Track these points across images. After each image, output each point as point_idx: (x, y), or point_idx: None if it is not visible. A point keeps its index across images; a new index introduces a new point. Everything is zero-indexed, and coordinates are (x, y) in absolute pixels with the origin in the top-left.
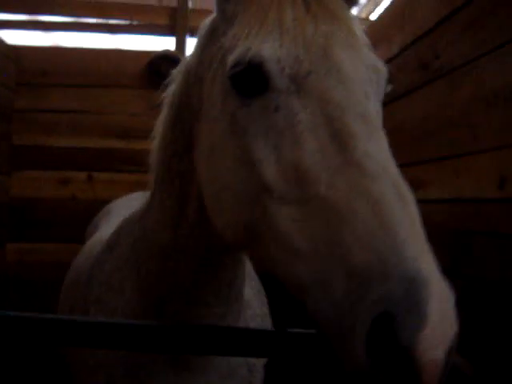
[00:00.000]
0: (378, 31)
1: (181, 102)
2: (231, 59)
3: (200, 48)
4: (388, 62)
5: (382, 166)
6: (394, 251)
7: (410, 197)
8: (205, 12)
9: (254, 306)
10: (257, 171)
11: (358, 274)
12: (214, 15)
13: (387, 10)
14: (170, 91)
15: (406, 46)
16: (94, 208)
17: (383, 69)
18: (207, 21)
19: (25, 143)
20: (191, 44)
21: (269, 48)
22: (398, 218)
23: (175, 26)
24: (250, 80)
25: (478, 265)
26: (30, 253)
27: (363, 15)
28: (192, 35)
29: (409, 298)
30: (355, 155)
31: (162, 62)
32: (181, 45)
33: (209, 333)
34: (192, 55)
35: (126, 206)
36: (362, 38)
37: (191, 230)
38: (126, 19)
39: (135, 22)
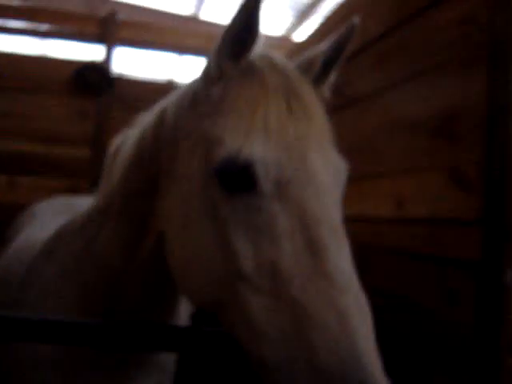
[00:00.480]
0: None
1: (150, 148)
2: (221, 155)
3: (178, 109)
4: None
5: (348, 279)
6: (355, 360)
7: (367, 308)
8: (134, 24)
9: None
10: (234, 260)
11: (320, 372)
12: (196, 81)
13: (311, 36)
14: (139, 127)
15: None
16: (14, 212)
17: (345, 169)
18: (188, 85)
19: None
20: (119, 54)
21: (258, 151)
22: (359, 330)
23: (105, 35)
24: (238, 178)
25: (375, 277)
26: None
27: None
28: (121, 45)
29: None
30: (327, 267)
31: (89, 71)
32: (109, 55)
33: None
34: (168, 109)
35: (52, 210)
36: (330, 135)
37: (144, 264)
38: (56, 25)
39: (65, 29)
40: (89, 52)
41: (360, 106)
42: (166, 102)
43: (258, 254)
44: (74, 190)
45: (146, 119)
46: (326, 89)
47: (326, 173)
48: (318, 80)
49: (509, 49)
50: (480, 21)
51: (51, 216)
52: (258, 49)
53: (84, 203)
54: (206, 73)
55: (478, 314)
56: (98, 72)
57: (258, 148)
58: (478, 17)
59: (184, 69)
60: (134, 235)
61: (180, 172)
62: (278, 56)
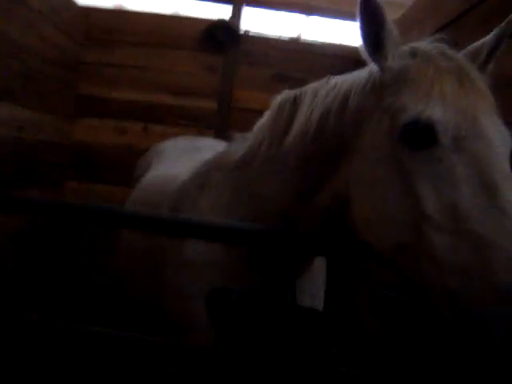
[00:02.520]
0: (413, 16)
1: (333, 129)
2: (405, 118)
3: (360, 96)
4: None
5: None
6: None
7: None
8: None
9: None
10: (419, 204)
11: (500, 289)
12: (368, 70)
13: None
14: (322, 92)
15: (435, 32)
16: None
17: (510, 137)
18: (360, 75)
19: (89, 93)
20: (247, 13)
21: (438, 113)
22: None
23: None
24: (421, 136)
25: None
26: (86, 192)
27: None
28: (248, 4)
29: None
30: (500, 201)
31: (218, 29)
32: (237, 13)
33: None
34: (350, 99)
35: (178, 148)
36: (496, 109)
37: (313, 214)
38: None
39: None
40: (218, 11)
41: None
42: (342, 86)
43: (440, 197)
44: None
45: (321, 94)
46: (488, 76)
47: (495, 132)
48: (482, 68)
49: None
50: None
51: (179, 153)
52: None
53: (207, 144)
54: (379, 61)
55: None
56: (225, 30)
57: (437, 111)
58: None
59: (310, 28)
60: (309, 190)
61: (366, 145)
62: (447, 47)
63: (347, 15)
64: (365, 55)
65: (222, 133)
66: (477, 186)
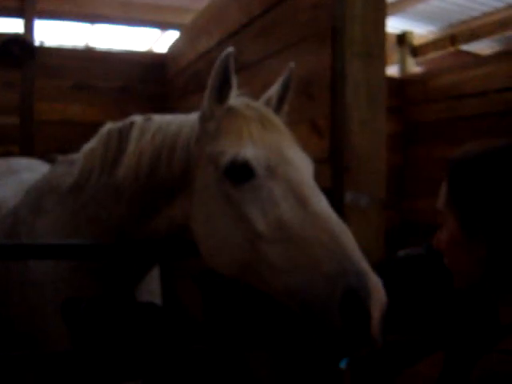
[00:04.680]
0: (201, 24)
1: (164, 163)
2: (225, 160)
3: (187, 144)
4: (208, 52)
5: (329, 213)
6: (348, 260)
7: (345, 227)
8: None
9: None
10: (251, 225)
11: (329, 276)
12: (195, 121)
13: (208, 7)
14: (148, 134)
15: (221, 41)
16: None
17: (310, 161)
18: (189, 124)
19: None
20: (39, 26)
21: (250, 152)
22: (345, 240)
23: (24, 8)
24: (240, 172)
25: None
26: None
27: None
28: (39, 17)
29: (361, 282)
30: (312, 208)
31: (13, 44)
32: (29, 26)
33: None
34: (178, 144)
35: None
36: (296, 142)
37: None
38: None
39: None
40: (10, 25)
41: (250, 71)
42: (168, 130)
43: (267, 216)
44: (6, 155)
45: (148, 136)
46: (283, 116)
47: (298, 158)
48: (276, 111)
49: (343, 31)
50: (327, 6)
51: None
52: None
53: (22, 164)
54: (202, 114)
55: None
56: (20, 44)
57: (249, 150)
58: (325, 3)
59: (99, 36)
60: (144, 217)
61: (198, 185)
62: (248, 99)
63: (136, 22)
64: (206, 104)
65: (26, 147)
66: (293, 201)
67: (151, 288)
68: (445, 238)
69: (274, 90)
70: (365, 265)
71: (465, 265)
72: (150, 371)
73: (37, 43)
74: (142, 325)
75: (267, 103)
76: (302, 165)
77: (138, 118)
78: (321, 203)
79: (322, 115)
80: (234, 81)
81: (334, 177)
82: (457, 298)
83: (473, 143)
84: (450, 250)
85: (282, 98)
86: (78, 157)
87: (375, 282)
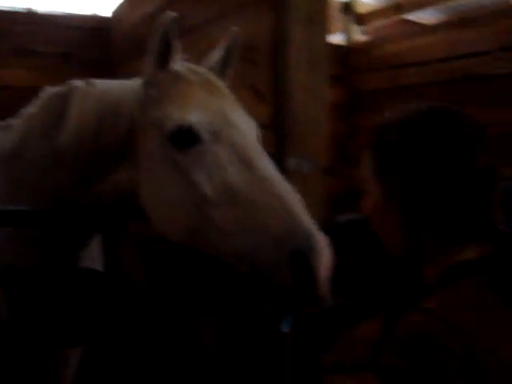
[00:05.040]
0: None
1: (108, 128)
2: (171, 125)
3: (132, 108)
4: (151, 15)
5: (275, 176)
6: (295, 221)
7: (292, 190)
8: None
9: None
10: (198, 190)
11: (277, 237)
12: (139, 86)
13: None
14: (91, 100)
15: (165, 4)
16: None
17: (255, 124)
18: (134, 89)
19: None
20: None
21: (195, 117)
22: (292, 202)
23: None
24: (186, 137)
25: None
26: None
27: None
28: None
29: (308, 243)
30: (259, 172)
31: None
32: None
33: None
34: (122, 108)
35: None
36: (240, 106)
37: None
38: None
39: None
40: None
41: (192, 36)
42: (112, 95)
43: (213, 180)
44: None
45: (91, 101)
46: (227, 81)
47: (243, 122)
48: (220, 76)
49: None
50: None
51: None
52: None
53: None
54: (145, 80)
55: None
56: None
57: (194, 115)
58: None
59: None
60: (87, 182)
61: (144, 151)
62: (192, 64)
63: None
64: (148, 69)
65: None
66: (239, 164)
67: (93, 254)
68: (369, 204)
69: (217, 55)
70: (312, 226)
71: (389, 230)
72: (93, 337)
73: None
74: (83, 291)
75: (211, 68)
76: (247, 129)
77: (79, 83)
78: (267, 166)
79: (264, 81)
80: (177, 46)
81: (277, 143)
82: (390, 262)
83: (395, 109)
84: (375, 216)
85: (225, 63)
86: (17, 122)
87: (322, 243)
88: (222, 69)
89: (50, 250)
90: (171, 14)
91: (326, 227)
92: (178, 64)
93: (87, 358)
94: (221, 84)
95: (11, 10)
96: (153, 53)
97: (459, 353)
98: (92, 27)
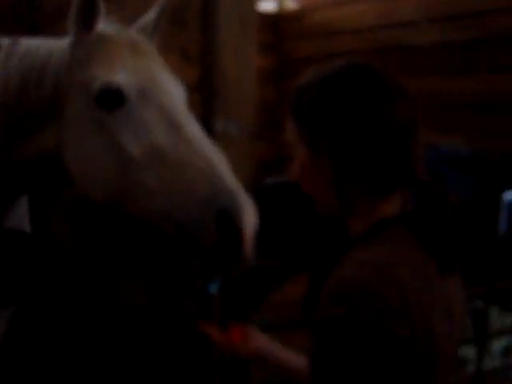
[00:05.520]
0: None
1: (33, 87)
2: (97, 86)
3: (55, 70)
4: None
5: (201, 137)
6: (221, 182)
7: (218, 151)
8: None
9: None
10: (124, 151)
11: (203, 197)
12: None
13: None
14: (15, 57)
15: None
16: None
17: (182, 86)
18: (59, 42)
19: None
20: None
21: (121, 78)
22: (217, 162)
23: None
24: (112, 98)
25: None
26: None
27: None
28: None
29: (233, 202)
30: (185, 134)
31: None
32: None
33: None
34: (48, 60)
35: None
36: (166, 67)
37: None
38: None
39: None
40: None
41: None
42: (38, 54)
43: (140, 141)
44: None
45: (15, 59)
46: (156, 43)
47: (169, 83)
48: (151, 38)
49: None
50: None
51: None
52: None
53: None
54: (70, 41)
55: None
56: None
57: (120, 76)
58: None
59: None
60: (10, 142)
61: (71, 112)
62: (120, 26)
63: None
64: (72, 30)
65: None
66: (165, 126)
67: (19, 213)
68: (297, 168)
69: (149, 18)
70: (237, 186)
71: (320, 190)
72: (21, 298)
73: None
74: (11, 251)
75: (142, 31)
76: (174, 90)
77: (3, 41)
78: (194, 128)
79: (193, 42)
80: (100, 6)
81: (205, 105)
82: (317, 222)
83: (313, 68)
84: (305, 178)
85: (156, 25)
86: None
87: (247, 203)
88: (153, 32)
89: None
90: None
91: (254, 189)
92: (106, 27)
93: (14, 322)
94: (149, 46)
95: None
96: (74, 12)
97: (395, 304)
98: None
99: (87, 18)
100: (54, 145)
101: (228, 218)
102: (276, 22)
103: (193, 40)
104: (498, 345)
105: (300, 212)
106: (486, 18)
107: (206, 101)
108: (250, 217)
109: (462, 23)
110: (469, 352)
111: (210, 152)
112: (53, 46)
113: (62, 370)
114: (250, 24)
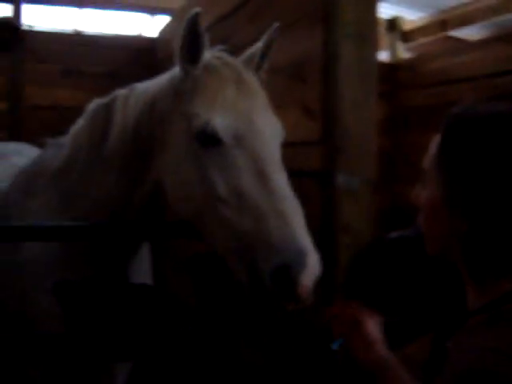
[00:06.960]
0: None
1: (146, 128)
2: (198, 124)
3: (164, 101)
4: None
5: (285, 192)
6: (292, 237)
7: (299, 207)
8: None
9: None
10: (212, 189)
11: (274, 246)
12: (170, 80)
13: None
14: (132, 100)
15: (213, 24)
16: None
17: (280, 127)
18: (166, 84)
19: None
20: (27, 11)
21: (220, 120)
22: (295, 221)
23: None
24: (209, 138)
25: None
26: None
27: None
28: (28, 2)
29: (298, 259)
30: (270, 185)
31: (1, 28)
32: (17, 10)
33: None
34: (157, 102)
35: None
36: (268, 106)
37: (139, 204)
38: None
39: None
40: None
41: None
42: (149, 91)
43: (227, 183)
44: None
45: (132, 101)
46: (262, 73)
47: (267, 129)
48: (257, 69)
49: (335, 12)
50: None
51: None
52: (208, 52)
53: (11, 149)
54: (178, 74)
55: (324, 207)
56: (8, 28)
57: (219, 119)
58: None
59: (88, 20)
60: (133, 184)
61: (172, 142)
62: (227, 55)
63: (124, 7)
64: (179, 61)
65: (15, 133)
66: (253, 173)
67: (143, 268)
68: (424, 198)
69: (257, 48)
70: (307, 243)
71: (438, 232)
72: (143, 352)
73: (25, 27)
74: (135, 306)
75: (249, 60)
76: (270, 135)
77: (123, 91)
78: (280, 181)
79: (314, 97)
80: (205, 39)
81: (326, 159)
82: (444, 281)
83: (475, 101)
84: (427, 212)
85: (264, 56)
86: (66, 139)
87: (313, 258)
88: (260, 61)
89: (101, 263)
90: (196, 9)
91: (376, 242)
92: (211, 56)
93: (135, 374)
94: (253, 80)
95: (60, 31)
96: (179, 48)
97: None
98: (137, 48)
99: (193, 51)
100: (159, 176)
101: (286, 272)
102: (391, 72)
103: (314, 94)
104: None
105: (422, 267)
106: None
107: (328, 155)
108: (311, 270)
109: None
110: None
111: (289, 207)
112: (162, 82)
113: None
114: (371, 76)
